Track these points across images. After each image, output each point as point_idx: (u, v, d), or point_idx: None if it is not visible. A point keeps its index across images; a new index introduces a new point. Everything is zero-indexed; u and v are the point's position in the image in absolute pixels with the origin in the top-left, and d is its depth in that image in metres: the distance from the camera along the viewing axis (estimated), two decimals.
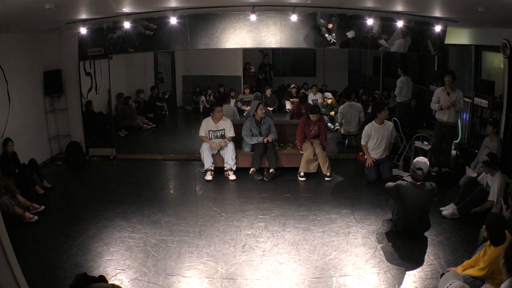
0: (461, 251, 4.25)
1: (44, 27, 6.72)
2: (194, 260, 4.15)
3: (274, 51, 10.82)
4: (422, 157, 4.61)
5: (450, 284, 3.06)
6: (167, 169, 7.32)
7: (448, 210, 5.12)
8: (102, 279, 2.09)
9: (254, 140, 6.62)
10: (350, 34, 7.17)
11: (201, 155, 6.56)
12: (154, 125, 10.02)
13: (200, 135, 6.63)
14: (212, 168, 6.50)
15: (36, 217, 5.10)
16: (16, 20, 5.20)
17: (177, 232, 4.75)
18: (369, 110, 8.80)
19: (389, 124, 6.49)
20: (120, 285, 3.66)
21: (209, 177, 6.44)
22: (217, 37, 7.10)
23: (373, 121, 6.49)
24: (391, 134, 6.45)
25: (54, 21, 6.10)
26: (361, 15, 6.71)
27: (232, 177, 6.47)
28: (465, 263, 3.56)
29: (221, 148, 6.56)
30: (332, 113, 9.51)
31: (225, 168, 6.57)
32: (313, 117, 6.61)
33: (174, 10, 6.28)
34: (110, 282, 3.67)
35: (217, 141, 6.58)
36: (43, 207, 5.36)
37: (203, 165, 6.54)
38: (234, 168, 6.55)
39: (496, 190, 4.81)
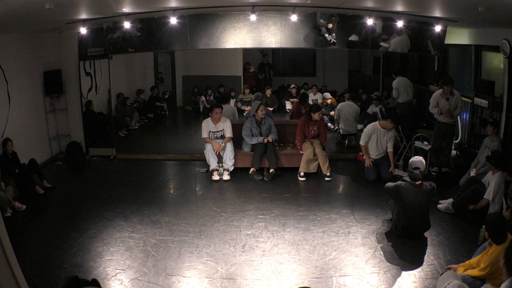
0: (461, 251, 4.25)
1: (44, 27, 6.71)
2: (194, 260, 4.14)
3: (274, 51, 10.81)
4: (417, 156, 4.60)
5: (448, 284, 3.05)
6: (167, 169, 7.32)
7: (443, 204, 5.25)
8: (95, 282, 2.07)
9: (254, 140, 6.61)
10: (353, 38, 7.17)
11: (205, 156, 6.54)
12: (146, 120, 10.27)
13: (203, 137, 6.59)
14: (218, 168, 6.48)
15: (24, 206, 5.39)
16: (16, 20, 5.19)
17: (177, 232, 4.75)
18: (369, 110, 8.81)
19: (392, 135, 6.43)
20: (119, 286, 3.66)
21: (216, 177, 6.41)
22: (217, 37, 7.10)
23: (377, 122, 6.48)
24: (391, 137, 6.41)
25: (54, 21, 6.10)
26: (361, 15, 6.72)
27: (226, 177, 6.42)
28: (467, 262, 3.55)
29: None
30: (332, 113, 9.49)
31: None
32: (317, 115, 6.56)
33: (174, 10, 6.29)
34: (110, 282, 3.69)
35: (218, 141, 6.56)
36: (24, 206, 5.43)
37: (203, 165, 6.52)
38: (230, 169, 6.52)
39: (492, 188, 4.80)
